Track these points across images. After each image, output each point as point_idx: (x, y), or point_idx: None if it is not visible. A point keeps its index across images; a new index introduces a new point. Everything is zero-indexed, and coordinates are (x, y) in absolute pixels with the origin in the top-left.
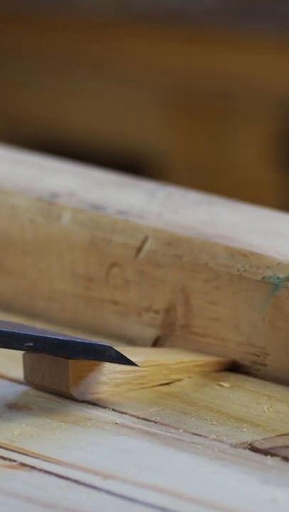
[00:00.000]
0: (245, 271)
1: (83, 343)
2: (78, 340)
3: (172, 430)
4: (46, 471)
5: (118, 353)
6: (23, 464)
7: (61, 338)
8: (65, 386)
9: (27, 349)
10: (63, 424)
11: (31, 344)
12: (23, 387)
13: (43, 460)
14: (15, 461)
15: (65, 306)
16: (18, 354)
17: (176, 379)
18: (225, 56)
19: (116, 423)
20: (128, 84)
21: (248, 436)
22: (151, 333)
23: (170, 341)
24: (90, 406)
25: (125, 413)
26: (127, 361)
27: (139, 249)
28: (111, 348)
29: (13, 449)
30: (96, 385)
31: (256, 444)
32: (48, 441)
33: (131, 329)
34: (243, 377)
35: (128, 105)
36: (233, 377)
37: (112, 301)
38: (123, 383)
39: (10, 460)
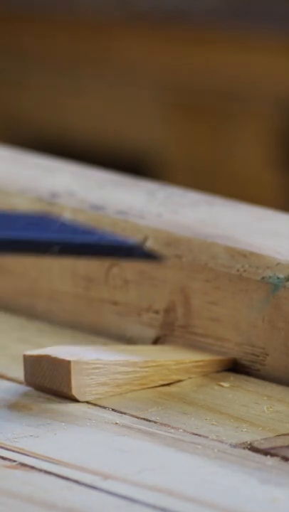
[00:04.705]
0: (244, 271)
1: (109, 245)
2: (104, 241)
3: (172, 430)
4: (46, 471)
5: (146, 251)
6: (22, 464)
7: (87, 240)
8: (67, 387)
9: (55, 255)
10: (63, 424)
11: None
12: (23, 388)
13: (43, 460)
14: (15, 461)
15: (65, 306)
16: (18, 354)
17: (176, 379)
18: (225, 56)
19: (116, 423)
20: (128, 84)
21: (248, 436)
22: (151, 333)
23: (170, 341)
24: (89, 406)
25: (125, 413)
26: (155, 257)
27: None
28: (139, 246)
29: (13, 449)
30: (97, 385)
31: (256, 444)
32: (47, 441)
33: (131, 329)
34: (242, 377)
35: (128, 105)
36: (232, 377)
37: (112, 301)
38: (124, 384)
39: (10, 460)
